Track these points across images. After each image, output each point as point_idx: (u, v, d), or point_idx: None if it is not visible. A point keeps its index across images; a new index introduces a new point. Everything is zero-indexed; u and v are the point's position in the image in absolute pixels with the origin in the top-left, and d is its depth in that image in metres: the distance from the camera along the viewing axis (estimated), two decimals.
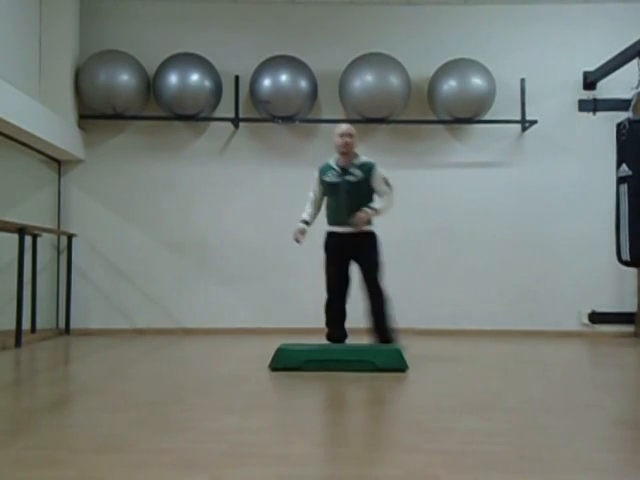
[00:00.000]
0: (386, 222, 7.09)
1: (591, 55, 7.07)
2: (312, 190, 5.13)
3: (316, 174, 5.12)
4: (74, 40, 7.09)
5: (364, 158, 5.04)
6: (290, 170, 7.25)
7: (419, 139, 7.34)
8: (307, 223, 5.06)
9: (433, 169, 7.34)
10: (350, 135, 4.98)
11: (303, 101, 7.01)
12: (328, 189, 5.02)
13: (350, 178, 4.95)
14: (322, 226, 5.09)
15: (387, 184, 4.99)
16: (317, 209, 5.16)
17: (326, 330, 5.13)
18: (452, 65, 7.00)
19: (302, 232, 5.02)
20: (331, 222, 5.02)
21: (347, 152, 4.98)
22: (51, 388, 3.97)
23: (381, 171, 5.00)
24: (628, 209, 4.72)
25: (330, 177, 5.00)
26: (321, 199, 5.13)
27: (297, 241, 5.01)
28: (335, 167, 5.02)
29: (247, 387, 3.87)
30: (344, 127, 5.05)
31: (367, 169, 4.97)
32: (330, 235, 5.03)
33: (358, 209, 4.85)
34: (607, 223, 6.97)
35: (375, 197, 4.99)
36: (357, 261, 5.01)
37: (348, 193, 4.93)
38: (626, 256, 4.77)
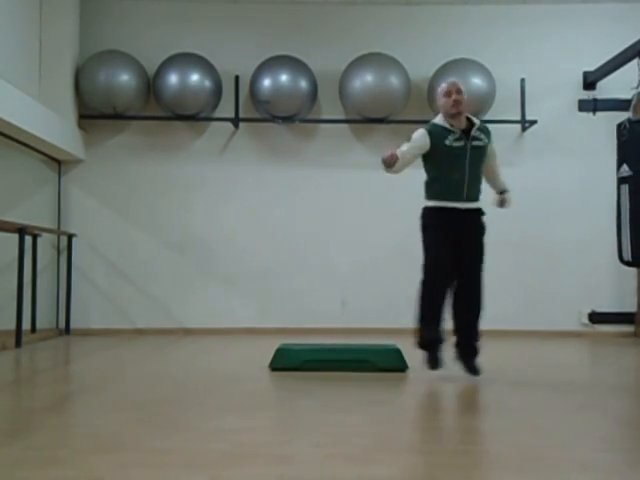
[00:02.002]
0: (386, 222, 7.14)
1: (591, 55, 7.06)
2: (408, 149, 4.04)
3: (424, 135, 4.06)
4: (74, 40, 7.08)
5: (475, 118, 4.20)
6: (290, 170, 7.25)
7: None
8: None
9: None
10: (458, 91, 4.03)
11: (303, 101, 7.01)
12: (449, 155, 4.02)
13: (477, 143, 4.05)
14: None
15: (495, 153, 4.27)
16: (404, 168, 4.05)
17: (417, 331, 4.14)
18: (452, 65, 6.99)
19: (395, 158, 3.89)
20: (442, 197, 4.06)
21: (461, 112, 4.05)
22: (51, 388, 3.97)
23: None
24: (629, 209, 4.71)
25: (451, 140, 4.01)
26: (412, 163, 4.11)
27: (390, 164, 3.91)
28: (453, 129, 4.04)
29: (247, 387, 3.87)
30: (450, 81, 4.13)
31: (488, 133, 4.17)
32: (439, 211, 4.07)
33: (478, 182, 4.10)
34: (607, 223, 6.97)
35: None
36: (461, 246, 4.06)
37: (472, 160, 4.03)
38: (627, 256, 4.77)
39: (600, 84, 7.20)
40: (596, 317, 7.17)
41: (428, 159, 4.10)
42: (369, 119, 7.07)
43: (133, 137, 7.30)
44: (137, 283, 7.20)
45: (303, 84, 6.96)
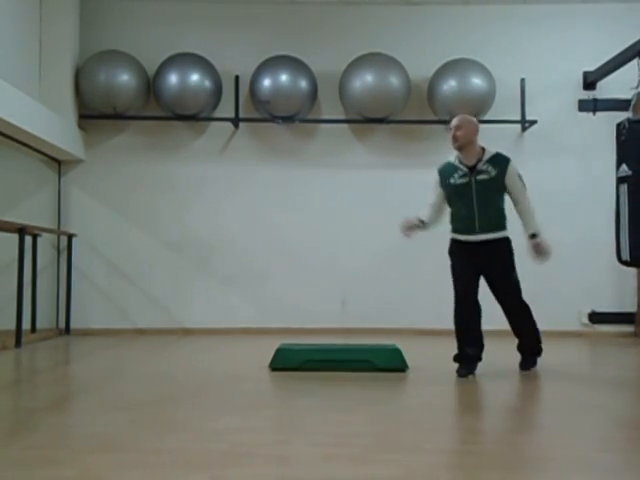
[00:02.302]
0: (386, 222, 7.12)
1: (591, 55, 7.06)
2: (432, 193, 4.38)
3: (435, 176, 4.36)
4: (74, 40, 7.08)
5: (493, 150, 4.30)
6: (290, 170, 7.25)
7: (419, 139, 7.33)
8: (423, 223, 4.36)
9: (433, 169, 7.30)
10: (458, 127, 4.19)
11: (303, 101, 7.01)
12: (454, 193, 4.25)
13: (482, 177, 4.18)
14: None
15: (522, 181, 4.29)
16: (438, 213, 4.39)
17: (457, 355, 4.36)
18: (452, 65, 6.99)
19: (412, 227, 4.37)
20: (458, 231, 4.32)
21: (462, 146, 4.21)
22: (51, 388, 3.98)
23: (516, 166, 4.30)
24: (628, 209, 4.71)
25: (455, 178, 4.22)
26: (443, 203, 4.38)
27: (406, 234, 4.40)
28: (460, 166, 4.24)
29: (247, 387, 3.87)
30: (454, 120, 4.29)
31: (502, 163, 4.23)
32: (457, 242, 4.37)
33: (493, 213, 4.23)
34: (607, 223, 6.96)
35: (505, 198, 4.33)
36: (487, 272, 4.33)
37: (479, 195, 4.17)
38: (626, 256, 4.77)
39: (600, 84, 7.20)
40: (596, 317, 7.17)
41: (445, 195, 4.37)
42: (369, 119, 7.07)
43: (133, 137, 7.30)
44: (137, 283, 7.20)
45: (303, 84, 6.96)
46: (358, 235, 7.17)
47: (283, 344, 4.66)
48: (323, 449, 2.50)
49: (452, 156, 4.36)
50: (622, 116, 5.17)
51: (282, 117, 7.05)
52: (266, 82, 6.90)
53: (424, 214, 4.38)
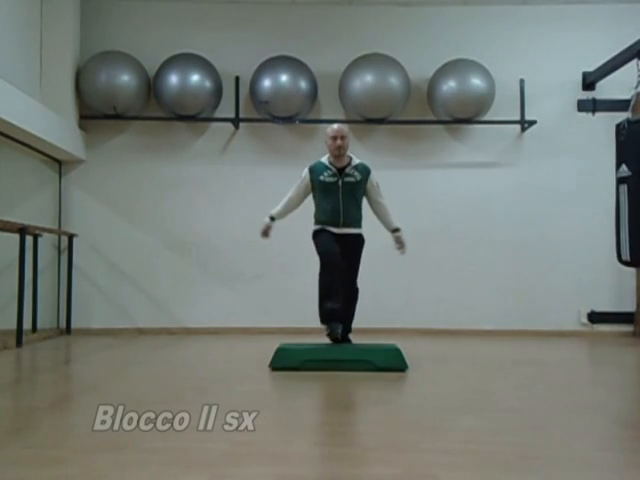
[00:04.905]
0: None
1: (590, 55, 7.07)
2: (294, 189, 4.90)
3: (306, 173, 4.87)
4: (75, 41, 7.09)
5: (357, 159, 4.88)
6: (290, 170, 7.15)
7: (419, 139, 7.34)
8: (273, 219, 4.90)
9: (433, 169, 7.35)
10: (342, 137, 4.76)
11: (303, 101, 7.02)
12: (323, 189, 4.79)
13: (349, 179, 4.77)
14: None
15: (379, 188, 4.90)
16: (290, 210, 4.95)
17: (321, 308, 4.65)
18: (452, 65, 7.00)
19: (267, 229, 4.90)
20: (323, 223, 4.79)
21: (342, 154, 4.80)
22: (52, 387, 3.98)
23: (375, 176, 4.89)
24: (628, 209, 4.73)
25: (326, 177, 4.77)
26: (301, 201, 4.93)
27: (266, 236, 4.91)
28: (330, 167, 4.80)
29: (247, 387, 3.88)
30: (335, 128, 4.81)
31: (365, 172, 4.83)
32: (321, 230, 4.81)
33: (353, 211, 4.76)
34: (606, 223, 6.98)
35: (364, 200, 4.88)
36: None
37: (345, 194, 4.74)
38: (626, 256, 4.78)
39: (599, 84, 7.21)
40: (595, 317, 7.18)
41: (313, 191, 4.87)
42: (369, 119, 7.08)
43: (133, 137, 7.31)
44: (138, 283, 7.21)
45: (303, 84, 6.97)
46: None
47: (283, 344, 4.66)
48: (323, 449, 2.50)
49: (324, 158, 4.88)
50: (621, 116, 5.19)
51: (282, 117, 7.06)
52: (266, 82, 6.91)
53: (275, 209, 4.92)
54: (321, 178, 4.79)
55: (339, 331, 4.58)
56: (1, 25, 6.04)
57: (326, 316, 4.61)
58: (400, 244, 4.96)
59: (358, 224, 4.82)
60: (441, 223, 7.25)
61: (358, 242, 4.84)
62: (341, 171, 4.79)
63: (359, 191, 4.82)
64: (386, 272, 7.10)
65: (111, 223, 7.23)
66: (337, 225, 4.76)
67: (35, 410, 3.25)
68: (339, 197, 4.75)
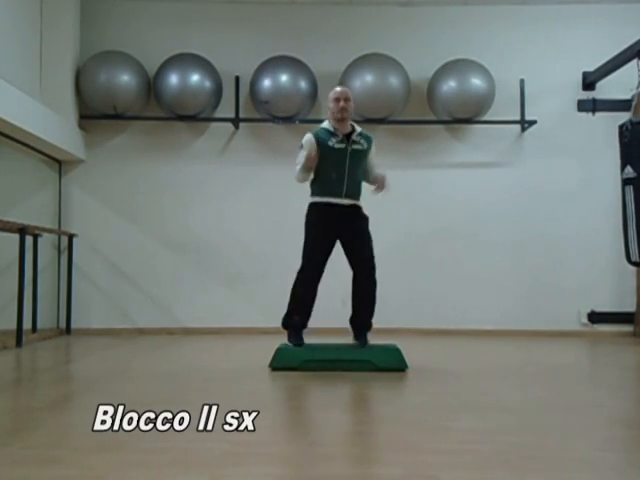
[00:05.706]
0: (386, 222, 7.13)
1: (590, 55, 7.07)
2: (302, 156, 4.46)
3: (309, 138, 4.47)
4: (75, 40, 7.09)
5: (358, 127, 4.58)
6: (290, 170, 7.17)
7: (419, 139, 7.34)
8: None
9: (433, 169, 7.35)
10: (346, 99, 4.45)
11: (303, 101, 7.02)
12: (329, 156, 4.42)
13: (357, 147, 4.46)
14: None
15: (375, 159, 4.66)
16: (308, 173, 4.52)
17: (288, 317, 4.65)
18: (452, 65, 7.00)
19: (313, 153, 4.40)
20: (325, 193, 4.46)
21: (345, 118, 4.48)
22: (51, 387, 3.98)
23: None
24: (634, 210, 4.71)
25: (333, 142, 4.43)
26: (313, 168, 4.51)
27: (312, 159, 4.40)
28: (336, 132, 4.47)
29: (247, 387, 3.88)
30: (339, 90, 4.51)
31: (369, 141, 4.56)
32: (320, 207, 4.49)
33: (357, 182, 4.50)
34: (606, 223, 7.01)
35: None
36: (347, 238, 4.51)
37: (352, 163, 4.43)
38: (635, 257, 4.77)
39: (599, 84, 7.21)
40: (595, 317, 7.18)
41: (319, 158, 4.44)
42: (369, 119, 7.07)
43: (133, 137, 7.31)
44: (138, 283, 7.21)
45: (303, 84, 6.97)
46: None
47: (283, 344, 4.66)
48: (323, 449, 2.50)
49: (325, 124, 4.57)
50: (622, 116, 5.18)
51: (282, 117, 7.06)
52: (266, 82, 6.91)
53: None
54: (329, 144, 4.43)
55: (300, 342, 4.60)
56: (1, 25, 6.03)
57: (290, 325, 4.68)
58: (380, 182, 4.56)
59: (359, 196, 4.54)
60: (441, 223, 7.25)
61: (362, 217, 4.53)
62: (348, 138, 4.48)
63: (364, 160, 4.55)
64: (386, 272, 7.07)
65: (111, 223, 7.23)
66: (339, 195, 4.44)
67: (35, 410, 3.25)
68: (345, 165, 4.43)
